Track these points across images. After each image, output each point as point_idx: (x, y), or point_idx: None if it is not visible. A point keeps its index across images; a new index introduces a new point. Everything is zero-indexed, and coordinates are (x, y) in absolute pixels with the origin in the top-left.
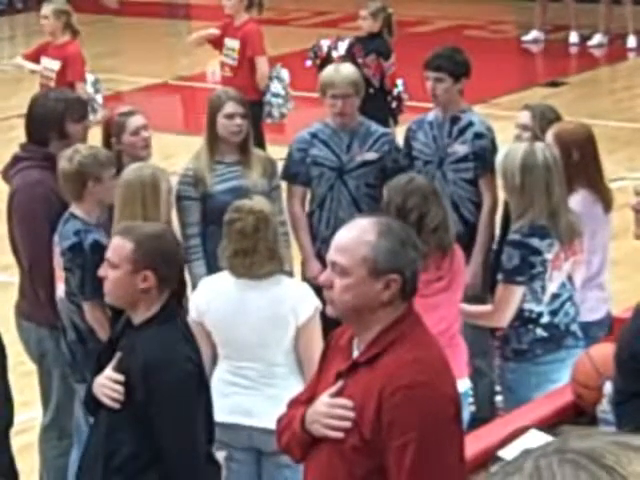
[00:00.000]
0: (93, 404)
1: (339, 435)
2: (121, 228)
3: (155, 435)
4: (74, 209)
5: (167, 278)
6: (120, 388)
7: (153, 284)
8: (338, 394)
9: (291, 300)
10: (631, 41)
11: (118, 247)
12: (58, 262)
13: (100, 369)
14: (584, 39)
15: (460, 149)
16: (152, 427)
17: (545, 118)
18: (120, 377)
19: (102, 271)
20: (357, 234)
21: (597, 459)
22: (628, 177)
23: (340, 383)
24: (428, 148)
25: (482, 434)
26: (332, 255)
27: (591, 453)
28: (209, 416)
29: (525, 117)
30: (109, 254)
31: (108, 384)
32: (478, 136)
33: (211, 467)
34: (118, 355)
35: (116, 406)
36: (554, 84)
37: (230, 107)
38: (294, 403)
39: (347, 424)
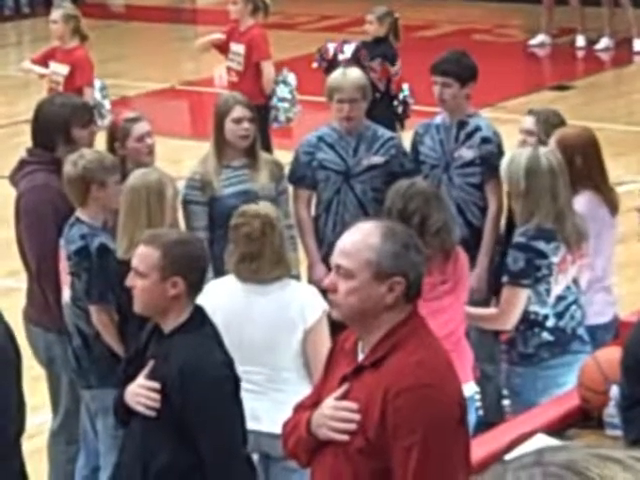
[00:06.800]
0: (125, 414)
1: (344, 438)
2: (146, 236)
3: (196, 441)
4: (79, 213)
5: (196, 283)
6: (156, 396)
7: (183, 290)
8: (343, 397)
9: (298, 303)
10: (637, 45)
11: (144, 256)
12: (64, 267)
13: (128, 379)
14: (591, 43)
15: (467, 154)
16: (189, 434)
17: (550, 123)
18: (156, 385)
19: (129, 281)
20: (361, 237)
21: (581, 472)
22: (636, 180)
23: (345, 386)
24: (435, 152)
25: (489, 438)
26: (336, 258)
27: (573, 466)
28: (241, 419)
29: (529, 122)
30: (135, 263)
31: (143, 392)
32: (485, 141)
33: (250, 470)
34: (150, 363)
35: (152, 414)
36: (561, 88)
37: (238, 111)
38: (300, 408)
39: (352, 427)
